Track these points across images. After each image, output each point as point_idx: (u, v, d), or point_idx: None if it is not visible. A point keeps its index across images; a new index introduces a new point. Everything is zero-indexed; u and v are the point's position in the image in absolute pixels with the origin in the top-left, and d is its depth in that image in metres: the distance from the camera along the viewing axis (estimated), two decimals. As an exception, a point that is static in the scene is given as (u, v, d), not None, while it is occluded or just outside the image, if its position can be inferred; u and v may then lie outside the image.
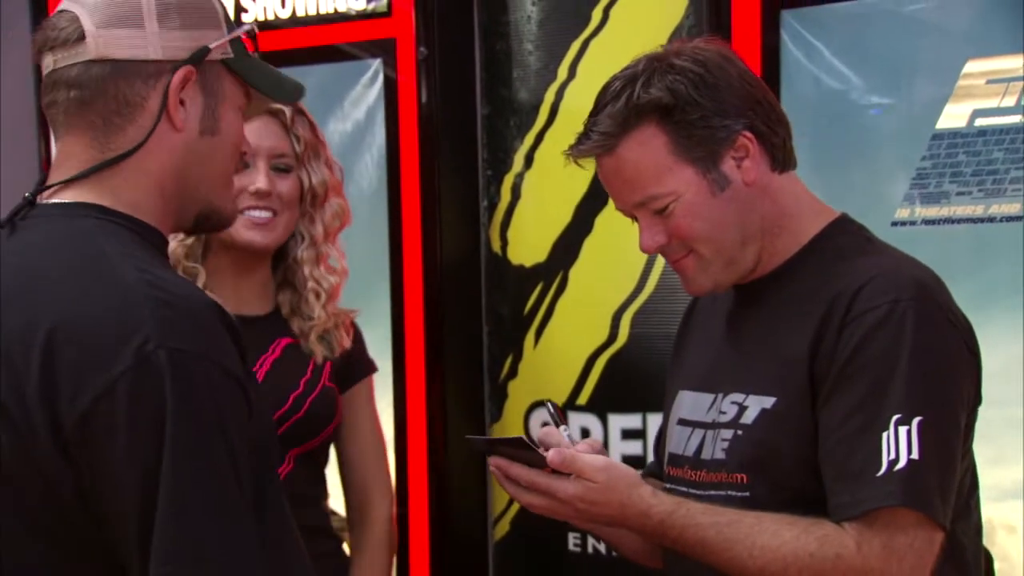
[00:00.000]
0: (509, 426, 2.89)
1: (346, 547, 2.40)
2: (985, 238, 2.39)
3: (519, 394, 2.90)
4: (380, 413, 2.42)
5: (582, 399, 2.80)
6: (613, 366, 2.77)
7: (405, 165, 2.90)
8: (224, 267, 2.24)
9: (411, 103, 2.89)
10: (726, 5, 2.56)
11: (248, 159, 2.18)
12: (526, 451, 1.74)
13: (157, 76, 1.49)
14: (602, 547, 2.76)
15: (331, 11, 2.99)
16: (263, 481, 1.45)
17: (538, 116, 2.83)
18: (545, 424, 1.88)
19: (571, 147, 1.80)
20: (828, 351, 1.70)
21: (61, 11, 1.52)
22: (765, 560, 1.67)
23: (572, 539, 2.81)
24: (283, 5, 3.04)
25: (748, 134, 1.77)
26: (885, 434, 1.64)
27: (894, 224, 2.45)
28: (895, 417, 1.64)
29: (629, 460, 2.71)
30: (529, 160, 2.85)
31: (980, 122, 2.38)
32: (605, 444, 2.75)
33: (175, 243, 2.18)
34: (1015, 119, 2.35)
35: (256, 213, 2.20)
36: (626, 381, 2.76)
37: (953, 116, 2.40)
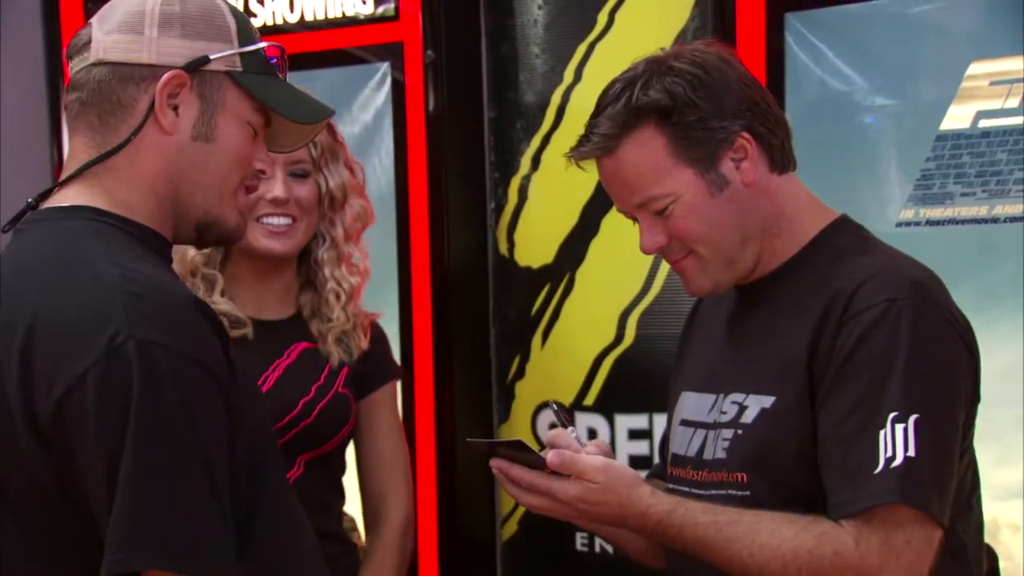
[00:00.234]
0: (517, 427, 2.91)
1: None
2: (989, 239, 2.39)
3: (526, 395, 2.91)
4: (388, 413, 2.42)
5: (589, 400, 2.81)
6: (620, 367, 2.79)
7: (413, 168, 2.92)
8: (244, 273, 2.25)
9: (419, 106, 2.90)
10: (730, 8, 2.57)
11: (269, 174, 2.17)
12: (526, 453, 1.75)
13: (150, 80, 1.53)
14: (609, 547, 2.77)
15: (339, 15, 3.01)
16: (255, 476, 1.47)
17: (544, 118, 2.84)
18: (553, 425, 1.90)
19: (572, 149, 1.82)
20: (826, 350, 1.71)
21: (88, 23, 1.59)
22: (764, 558, 1.68)
23: (579, 539, 2.82)
24: (292, 9, 3.05)
25: (746, 135, 1.78)
26: (882, 432, 1.65)
27: (898, 225, 2.46)
28: (892, 415, 1.65)
29: (636, 460, 2.73)
30: (536, 162, 2.87)
31: (984, 123, 2.39)
32: (612, 444, 2.76)
33: (193, 251, 2.20)
34: (1019, 120, 2.36)
35: (275, 220, 2.20)
36: (633, 382, 2.77)
37: (957, 117, 2.41)
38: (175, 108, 1.54)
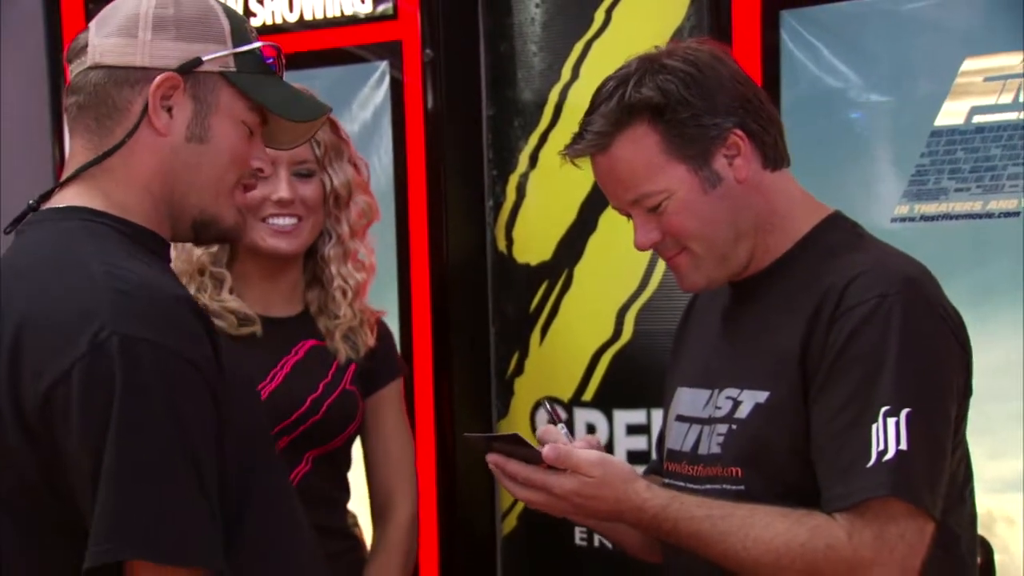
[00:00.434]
0: (516, 423, 2.92)
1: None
2: (984, 234, 2.41)
3: (525, 391, 2.92)
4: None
5: (587, 395, 2.82)
6: (618, 362, 2.79)
7: (412, 165, 2.93)
8: (251, 272, 2.26)
9: (417, 104, 2.91)
10: (726, 6, 2.57)
11: (268, 173, 2.19)
12: (523, 447, 1.75)
13: (143, 82, 1.55)
14: (608, 542, 2.78)
15: (338, 15, 3.02)
16: (247, 474, 1.49)
17: (542, 116, 2.85)
18: (552, 423, 1.91)
19: (566, 147, 1.83)
20: (819, 346, 1.72)
21: (87, 27, 1.61)
22: (758, 551, 1.69)
23: (579, 534, 2.82)
24: (291, 9, 3.06)
25: (739, 132, 1.79)
26: (874, 426, 1.66)
27: (893, 221, 2.47)
28: (884, 409, 1.66)
29: (634, 455, 2.75)
30: (534, 160, 2.87)
31: (978, 119, 2.40)
32: (610, 439, 2.78)
33: (199, 251, 2.21)
34: (1012, 116, 2.37)
35: (280, 220, 2.21)
36: (631, 377, 2.78)
37: (951, 113, 2.42)
38: (169, 110, 1.56)
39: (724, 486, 1.79)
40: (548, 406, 1.98)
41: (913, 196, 2.46)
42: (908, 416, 1.65)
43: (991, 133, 2.39)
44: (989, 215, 2.40)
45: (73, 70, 1.59)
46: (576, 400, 2.83)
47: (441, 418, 2.91)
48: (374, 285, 2.39)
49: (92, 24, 1.59)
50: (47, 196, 1.60)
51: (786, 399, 1.75)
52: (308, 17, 3.05)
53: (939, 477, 1.70)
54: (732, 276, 1.85)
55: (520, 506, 2.93)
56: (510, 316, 2.94)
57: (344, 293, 2.28)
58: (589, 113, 1.81)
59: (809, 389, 1.73)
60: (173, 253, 2.09)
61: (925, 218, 2.45)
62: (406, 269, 2.94)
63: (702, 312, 1.99)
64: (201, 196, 1.60)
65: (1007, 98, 2.38)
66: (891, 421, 1.66)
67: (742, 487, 1.78)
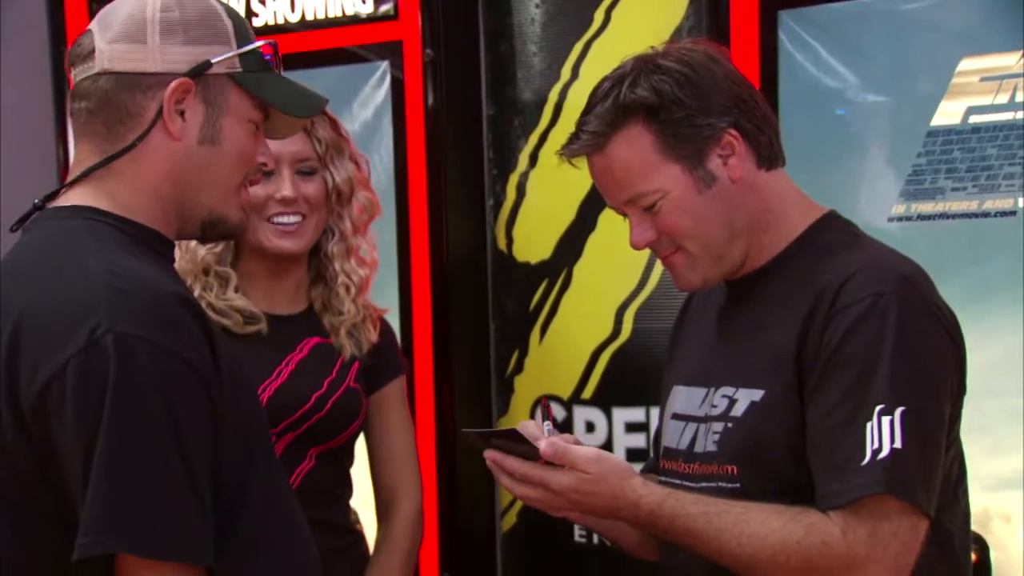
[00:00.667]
0: (515, 420, 2.91)
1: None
2: (980, 233, 2.42)
3: (525, 389, 2.93)
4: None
5: (587, 393, 2.83)
6: (617, 361, 2.80)
7: (412, 164, 2.94)
8: (256, 271, 2.27)
9: (418, 104, 2.92)
10: (725, 6, 2.59)
11: (271, 168, 2.21)
12: (520, 444, 1.76)
13: (156, 88, 1.56)
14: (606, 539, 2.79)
15: (339, 15, 3.04)
16: (241, 473, 1.49)
17: (542, 116, 2.86)
18: (544, 420, 1.92)
19: (563, 147, 1.84)
20: (814, 344, 1.72)
21: (87, 30, 1.61)
22: (753, 548, 1.69)
23: (578, 531, 2.83)
24: (293, 9, 3.08)
25: (733, 132, 1.79)
26: (869, 424, 1.66)
27: (890, 220, 2.48)
28: (879, 407, 1.66)
29: (633, 453, 2.76)
30: (534, 159, 2.88)
31: (974, 119, 2.41)
32: (609, 437, 2.79)
33: (204, 251, 2.23)
34: (1008, 116, 2.38)
35: (285, 219, 2.23)
36: (630, 375, 2.79)
37: (948, 113, 2.43)
38: (181, 114, 1.57)
39: (720, 484, 1.80)
40: (544, 405, 1.99)
41: (910, 195, 2.47)
42: (902, 414, 1.66)
43: (987, 133, 2.41)
44: (985, 214, 2.41)
45: (78, 75, 1.59)
46: (575, 398, 2.84)
47: (441, 415, 2.93)
48: (375, 283, 2.41)
49: (94, 27, 1.60)
50: (53, 196, 1.61)
51: (781, 397, 1.75)
52: (310, 17, 3.07)
53: (933, 475, 1.70)
54: (727, 275, 1.86)
55: (520, 503, 2.92)
56: (510, 314, 2.95)
57: (348, 289, 2.29)
58: (585, 113, 1.83)
59: (804, 387, 1.73)
60: (177, 253, 2.12)
61: (922, 217, 2.46)
62: (407, 268, 2.95)
63: (698, 311, 2.00)
64: (211, 196, 1.61)
65: (1003, 98, 2.39)
66: (886, 419, 1.66)
67: (738, 485, 1.78)
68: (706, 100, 1.78)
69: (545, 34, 2.85)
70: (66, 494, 1.43)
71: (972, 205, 2.42)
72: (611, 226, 2.77)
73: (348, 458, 2.35)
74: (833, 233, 1.85)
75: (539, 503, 1.79)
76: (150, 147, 1.57)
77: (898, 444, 1.65)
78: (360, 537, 2.40)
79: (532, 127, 2.87)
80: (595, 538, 2.82)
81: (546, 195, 2.87)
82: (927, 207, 2.45)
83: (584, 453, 1.75)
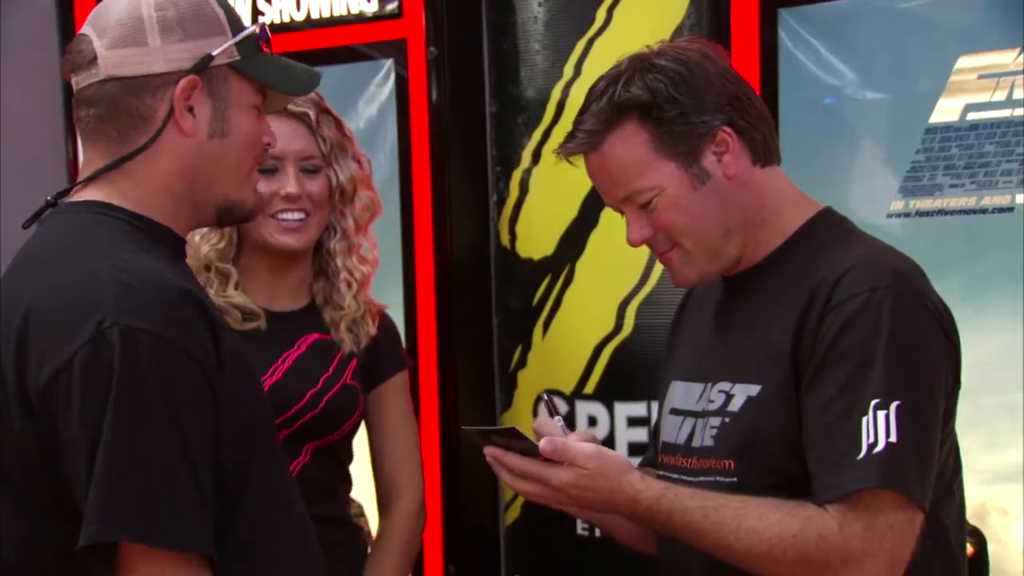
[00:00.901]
0: (519, 415, 2.93)
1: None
2: (978, 229, 2.43)
3: (528, 383, 2.93)
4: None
5: (589, 388, 2.84)
6: (619, 356, 2.80)
7: (416, 162, 2.95)
8: (259, 267, 2.29)
9: (422, 101, 2.94)
10: (725, 4, 2.60)
11: (276, 162, 2.22)
12: (520, 440, 1.78)
13: (164, 88, 1.59)
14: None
15: (344, 13, 3.05)
16: (244, 466, 1.51)
17: (545, 113, 2.86)
18: (550, 415, 1.94)
19: (560, 145, 1.86)
20: (810, 339, 1.74)
21: (81, 35, 1.62)
22: (751, 542, 1.71)
23: (580, 524, 2.83)
24: (298, 8, 3.10)
25: (728, 129, 1.81)
26: (865, 419, 1.68)
27: (889, 216, 2.49)
28: (874, 402, 1.68)
29: (635, 447, 2.76)
30: (536, 156, 2.89)
31: (972, 116, 2.42)
32: (611, 431, 2.80)
33: (207, 247, 2.25)
34: (1006, 113, 2.39)
35: (288, 216, 2.24)
36: (631, 370, 2.79)
37: (946, 110, 2.45)
38: (191, 110, 1.59)
39: (717, 478, 1.81)
40: (547, 399, 2.00)
41: (908, 192, 2.48)
42: (898, 409, 1.67)
43: (985, 130, 2.42)
44: (983, 211, 2.42)
45: (80, 82, 1.61)
46: (578, 393, 2.85)
47: (445, 410, 2.94)
48: (379, 279, 2.42)
49: (89, 32, 1.61)
50: (65, 193, 1.63)
51: (778, 392, 1.77)
52: (315, 16, 3.09)
53: (928, 469, 1.72)
54: (723, 271, 1.87)
55: (522, 498, 2.95)
56: (513, 310, 2.96)
57: (349, 285, 2.31)
58: (581, 112, 1.84)
59: (800, 382, 1.75)
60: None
61: (920, 214, 2.47)
62: (411, 264, 2.97)
63: (696, 307, 2.01)
64: (224, 184, 1.64)
65: (1001, 95, 2.40)
66: (881, 414, 1.67)
67: (735, 479, 1.80)
68: (700, 98, 1.80)
69: (548, 32, 2.86)
70: (70, 485, 1.45)
71: (970, 202, 2.43)
72: (613, 223, 2.76)
73: (346, 453, 2.36)
74: (828, 229, 1.86)
75: (539, 498, 1.81)
76: (162, 146, 1.59)
77: (893, 438, 1.67)
78: (360, 531, 2.41)
79: (535, 124, 2.88)
80: (598, 532, 2.83)
81: (549, 192, 2.88)
82: (925, 204, 2.47)
83: (582, 449, 1.77)
